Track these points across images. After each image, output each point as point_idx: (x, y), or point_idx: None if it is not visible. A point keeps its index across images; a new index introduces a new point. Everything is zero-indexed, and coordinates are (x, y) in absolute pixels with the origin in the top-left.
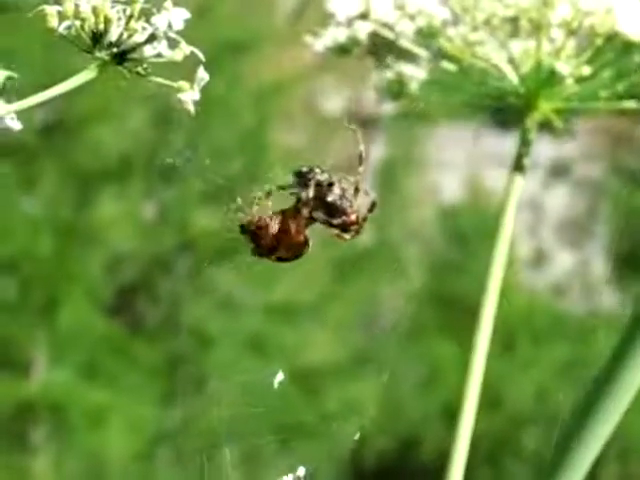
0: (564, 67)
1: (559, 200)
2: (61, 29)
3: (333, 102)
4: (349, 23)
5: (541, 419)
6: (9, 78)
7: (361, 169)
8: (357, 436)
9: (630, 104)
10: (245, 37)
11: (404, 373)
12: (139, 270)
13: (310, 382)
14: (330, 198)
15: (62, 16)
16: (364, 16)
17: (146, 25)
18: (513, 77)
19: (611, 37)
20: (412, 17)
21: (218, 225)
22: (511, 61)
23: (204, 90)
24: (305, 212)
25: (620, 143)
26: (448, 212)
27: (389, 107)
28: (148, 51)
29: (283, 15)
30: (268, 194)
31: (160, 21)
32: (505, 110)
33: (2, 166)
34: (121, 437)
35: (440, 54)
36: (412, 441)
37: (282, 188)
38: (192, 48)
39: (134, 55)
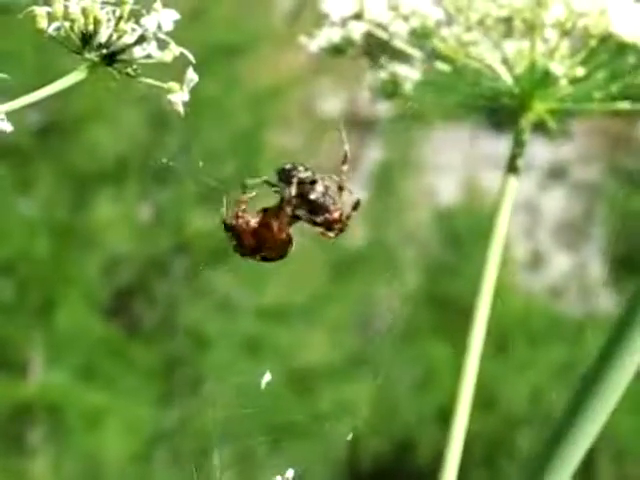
0: (558, 68)
1: (556, 202)
2: (50, 30)
3: (330, 104)
4: (343, 23)
5: (537, 421)
6: (0, 80)
7: (345, 168)
8: (351, 437)
9: (624, 105)
10: (241, 39)
11: (399, 375)
12: (135, 272)
13: (305, 383)
14: (313, 196)
15: (51, 17)
16: (358, 16)
17: (135, 26)
18: (507, 78)
19: (605, 38)
20: (406, 17)
21: (214, 227)
22: (505, 61)
23: (201, 92)
24: (288, 210)
25: (617, 145)
26: (444, 214)
27: (384, 108)
28: (138, 52)
29: (280, 17)
30: (244, 189)
31: (149, 22)
32: (500, 111)
33: None
34: (118, 438)
35: (434, 54)
36: (407, 443)
37: (267, 184)
38: (182, 49)
39: (124, 56)
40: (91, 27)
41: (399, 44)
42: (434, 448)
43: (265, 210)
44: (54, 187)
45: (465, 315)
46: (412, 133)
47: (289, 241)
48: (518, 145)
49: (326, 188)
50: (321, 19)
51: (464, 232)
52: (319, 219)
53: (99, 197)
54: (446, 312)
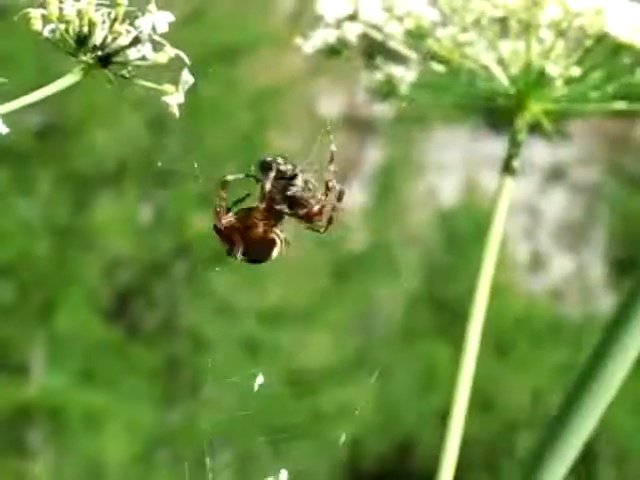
0: (554, 68)
1: (556, 204)
2: (46, 32)
3: (330, 105)
4: (338, 25)
5: (537, 423)
6: None
7: (332, 167)
8: (352, 438)
9: (620, 105)
10: (242, 40)
11: (400, 376)
12: (136, 274)
13: (306, 385)
14: (292, 189)
15: (47, 19)
16: (353, 18)
17: (130, 28)
18: (503, 78)
19: (600, 38)
20: (400, 19)
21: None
22: (501, 62)
23: (200, 93)
24: (267, 203)
25: (617, 146)
26: (445, 215)
27: (381, 108)
28: (132, 54)
29: (281, 18)
30: (224, 185)
31: (144, 24)
32: (496, 112)
33: None
34: (119, 439)
35: (429, 55)
36: (408, 444)
37: (248, 177)
38: (177, 51)
39: (119, 58)
40: (86, 29)
41: (394, 45)
42: (434, 449)
43: (249, 209)
44: (55, 189)
45: (466, 316)
46: (412, 134)
47: (273, 239)
48: (514, 145)
49: (306, 182)
50: (318, 20)
51: (465, 232)
52: (300, 212)
53: (99, 199)
54: (447, 313)
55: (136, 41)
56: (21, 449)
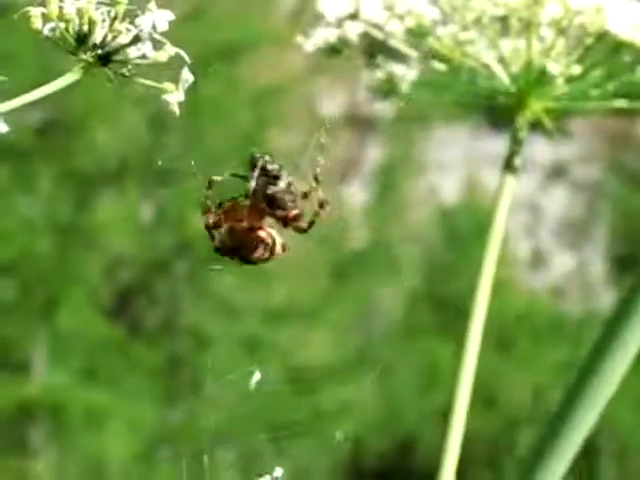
0: (554, 66)
1: (557, 201)
2: (46, 31)
3: (331, 104)
4: (339, 23)
5: (539, 419)
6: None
7: (321, 160)
8: (353, 436)
9: (621, 103)
10: (242, 39)
11: (401, 374)
12: (137, 272)
13: (307, 383)
14: (272, 188)
15: (47, 18)
16: (353, 16)
17: (130, 26)
18: (503, 76)
19: (601, 36)
20: (401, 17)
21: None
22: (501, 60)
23: (201, 91)
24: (252, 199)
25: (618, 144)
26: (446, 213)
27: (382, 107)
28: (133, 52)
29: (283, 16)
30: (211, 185)
31: (144, 22)
32: (498, 110)
33: (0, 168)
34: (120, 438)
35: (430, 54)
36: (410, 442)
37: (235, 176)
38: (177, 49)
39: (119, 57)
40: (86, 27)
41: (395, 44)
42: (436, 446)
43: (234, 201)
44: (56, 187)
45: (467, 314)
46: (413, 133)
47: (262, 238)
48: (515, 143)
49: (289, 184)
50: (319, 19)
51: (466, 230)
52: (277, 214)
53: (101, 197)
54: (449, 310)
55: (136, 39)
56: (23, 447)
